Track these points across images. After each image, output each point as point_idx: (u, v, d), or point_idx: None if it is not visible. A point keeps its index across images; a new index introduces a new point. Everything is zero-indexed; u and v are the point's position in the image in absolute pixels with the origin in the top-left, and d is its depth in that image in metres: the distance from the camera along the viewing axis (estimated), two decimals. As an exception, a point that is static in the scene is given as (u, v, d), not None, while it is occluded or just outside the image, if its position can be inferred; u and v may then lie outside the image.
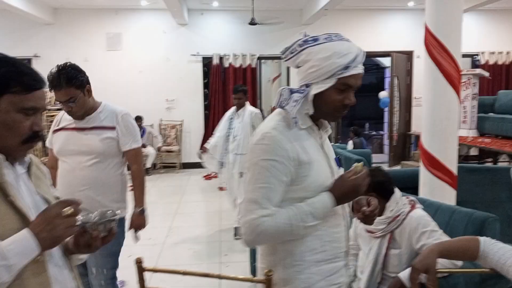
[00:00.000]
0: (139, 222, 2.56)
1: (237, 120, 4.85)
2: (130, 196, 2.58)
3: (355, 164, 1.45)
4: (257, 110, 4.94)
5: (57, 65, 2.29)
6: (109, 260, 2.47)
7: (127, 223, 2.57)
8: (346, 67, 1.35)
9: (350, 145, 8.80)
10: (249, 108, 4.90)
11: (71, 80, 2.25)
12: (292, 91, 1.43)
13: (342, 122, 9.77)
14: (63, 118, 2.49)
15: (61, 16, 8.72)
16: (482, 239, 1.48)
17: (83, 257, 1.39)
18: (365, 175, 1.42)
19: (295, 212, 1.37)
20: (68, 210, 1.10)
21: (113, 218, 1.26)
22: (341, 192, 1.41)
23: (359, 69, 1.39)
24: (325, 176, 1.45)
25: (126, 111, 2.53)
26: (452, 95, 3.20)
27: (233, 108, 4.96)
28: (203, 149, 5.07)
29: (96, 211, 1.29)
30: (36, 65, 8.12)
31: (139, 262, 1.54)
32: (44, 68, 1.74)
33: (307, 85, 1.41)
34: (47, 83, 1.23)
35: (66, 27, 8.73)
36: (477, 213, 2.36)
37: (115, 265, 2.53)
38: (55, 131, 2.51)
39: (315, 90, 1.39)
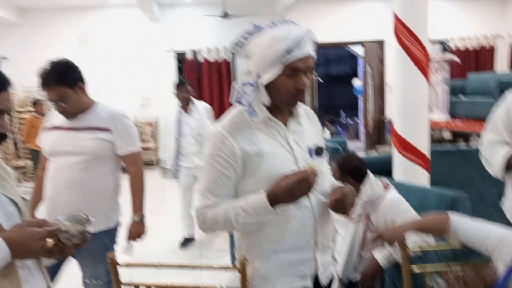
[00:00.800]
0: (138, 231, 2.38)
1: (191, 118, 4.36)
2: (126, 202, 2.40)
3: (308, 164, 1.39)
4: (207, 104, 4.62)
5: (50, 61, 2.10)
6: (102, 270, 2.32)
7: (122, 232, 2.39)
8: (289, 51, 1.31)
9: (326, 133, 8.88)
10: (198, 102, 4.52)
11: (61, 78, 2.08)
12: (244, 84, 1.41)
13: (318, 110, 9.81)
14: (55, 115, 2.27)
15: (28, 16, 8.52)
16: (451, 215, 1.52)
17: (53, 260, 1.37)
18: (304, 177, 1.31)
19: (232, 206, 1.40)
20: (50, 240, 1.13)
21: (86, 229, 1.22)
22: (273, 192, 1.34)
23: (306, 51, 1.34)
24: (280, 168, 1.39)
25: (123, 112, 2.32)
26: (422, 79, 3.25)
27: (177, 109, 4.48)
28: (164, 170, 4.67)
29: (67, 216, 1.25)
30: (5, 68, 7.91)
31: (112, 257, 1.53)
32: (13, 70, 1.70)
33: (258, 76, 1.38)
34: (12, 85, 1.22)
35: (34, 27, 8.54)
36: (447, 192, 2.42)
37: (108, 271, 2.46)
38: (45, 129, 2.32)
39: (265, 79, 1.36)
